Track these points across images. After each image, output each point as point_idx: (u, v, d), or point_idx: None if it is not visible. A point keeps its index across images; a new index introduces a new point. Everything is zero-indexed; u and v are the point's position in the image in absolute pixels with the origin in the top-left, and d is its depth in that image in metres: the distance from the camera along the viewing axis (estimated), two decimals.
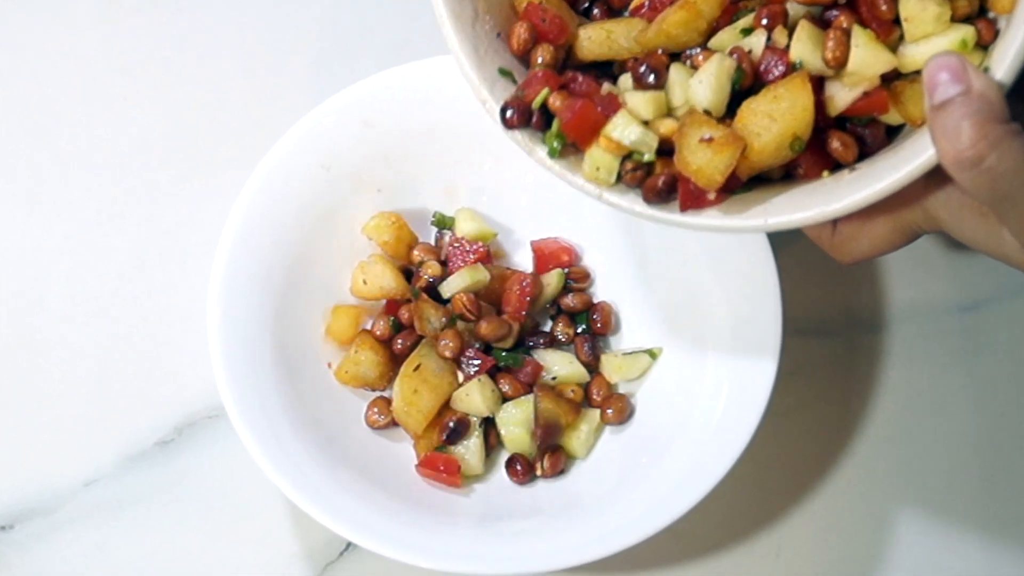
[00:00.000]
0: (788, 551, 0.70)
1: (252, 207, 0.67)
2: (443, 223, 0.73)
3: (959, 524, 0.72)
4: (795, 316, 0.68)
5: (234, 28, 0.81)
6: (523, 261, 0.74)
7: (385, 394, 0.70)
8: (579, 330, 0.72)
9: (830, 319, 0.76)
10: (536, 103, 0.54)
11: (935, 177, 0.49)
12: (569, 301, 0.72)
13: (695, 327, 0.69)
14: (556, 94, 0.54)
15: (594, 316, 0.72)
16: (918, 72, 0.51)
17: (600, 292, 0.74)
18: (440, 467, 0.67)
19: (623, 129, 0.52)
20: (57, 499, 0.69)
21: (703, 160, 0.51)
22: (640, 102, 0.53)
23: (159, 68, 0.80)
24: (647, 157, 0.53)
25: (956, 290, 0.77)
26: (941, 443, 0.74)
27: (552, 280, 0.72)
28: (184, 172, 0.77)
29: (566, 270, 0.73)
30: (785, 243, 0.67)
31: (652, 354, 0.70)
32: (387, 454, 0.68)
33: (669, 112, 0.54)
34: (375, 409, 0.68)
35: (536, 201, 0.74)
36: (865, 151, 0.54)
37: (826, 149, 0.53)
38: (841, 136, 0.53)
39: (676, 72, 0.53)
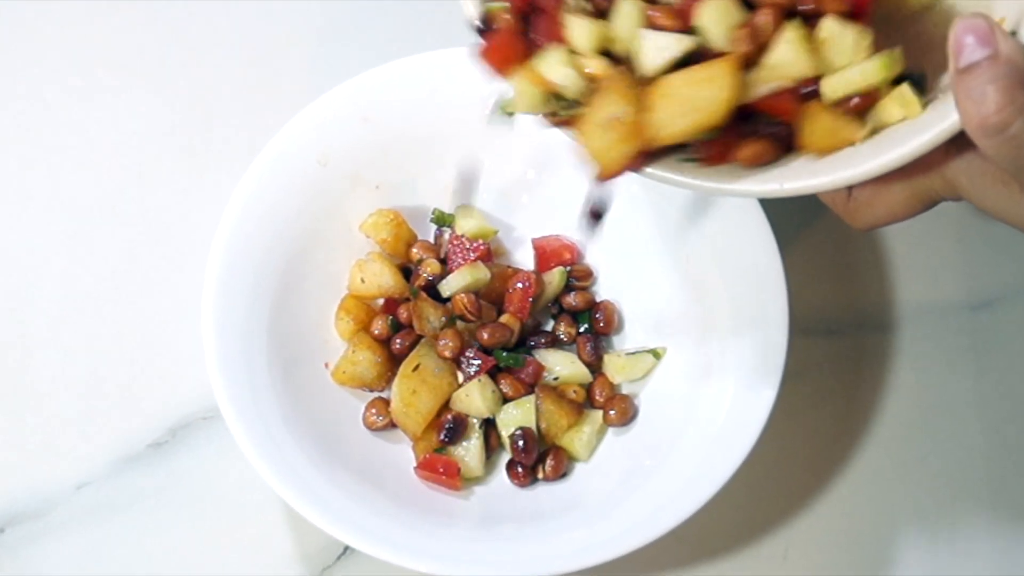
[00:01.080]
0: (795, 554, 0.70)
1: (247, 204, 0.67)
2: (443, 220, 0.73)
3: (969, 527, 0.72)
4: (802, 315, 0.68)
5: (230, 20, 0.81)
6: (524, 259, 0.74)
7: (383, 395, 0.69)
8: (581, 329, 0.72)
9: (837, 318, 0.75)
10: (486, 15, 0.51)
11: (956, 143, 0.48)
12: (571, 300, 0.72)
13: (699, 326, 0.69)
14: (504, 14, 0.51)
15: (596, 315, 0.72)
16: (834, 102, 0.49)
17: (603, 291, 0.73)
18: (439, 469, 0.66)
19: (551, 65, 0.49)
20: (48, 502, 0.69)
21: (602, 144, 0.48)
22: (581, 31, 0.49)
23: (152, 61, 0.80)
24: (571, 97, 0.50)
25: (966, 288, 0.77)
26: (951, 444, 0.73)
27: (554, 278, 0.72)
28: (178, 168, 0.77)
29: (568, 268, 0.72)
30: (792, 240, 0.67)
31: (656, 354, 0.70)
32: (385, 456, 0.67)
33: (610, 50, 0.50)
34: (373, 410, 0.68)
35: (537, 198, 0.73)
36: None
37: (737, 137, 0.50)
38: (753, 145, 0.50)
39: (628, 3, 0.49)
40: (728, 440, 0.63)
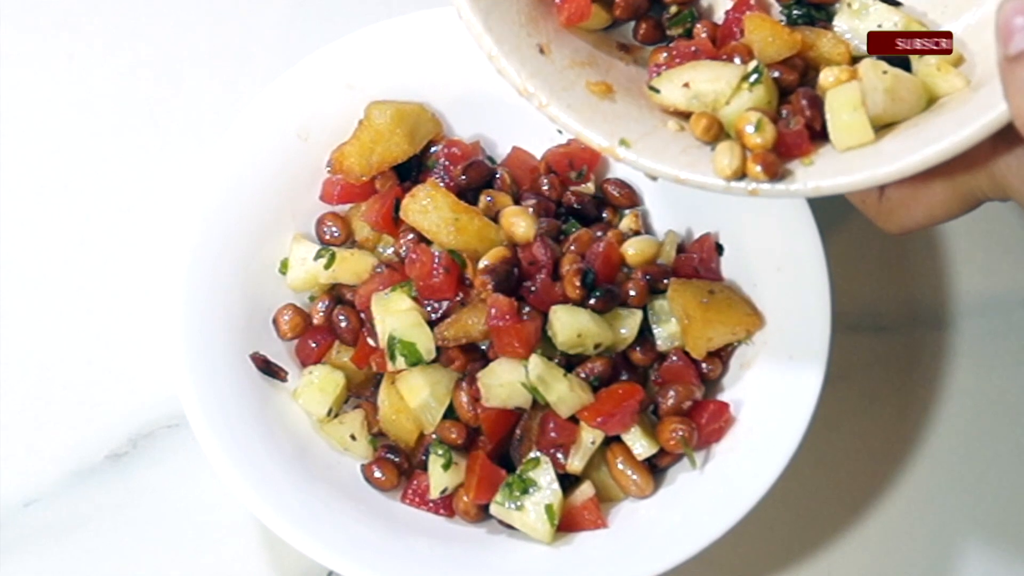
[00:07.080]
0: None
1: (218, 184, 0.68)
2: None
3: None
4: (846, 310, 0.69)
5: None
6: None
7: (372, 399, 0.69)
8: None
9: (887, 314, 0.76)
10: None
11: (1005, 136, 0.49)
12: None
13: None
14: None
15: None
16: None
17: None
18: (430, 504, 0.65)
19: None
20: None
21: None
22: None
23: (110, 21, 0.80)
24: None
25: None
26: (1015, 455, 0.73)
27: None
28: (139, 143, 0.77)
29: None
30: (835, 226, 0.66)
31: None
32: None
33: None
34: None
35: None
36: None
37: None
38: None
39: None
40: (763, 451, 0.63)
